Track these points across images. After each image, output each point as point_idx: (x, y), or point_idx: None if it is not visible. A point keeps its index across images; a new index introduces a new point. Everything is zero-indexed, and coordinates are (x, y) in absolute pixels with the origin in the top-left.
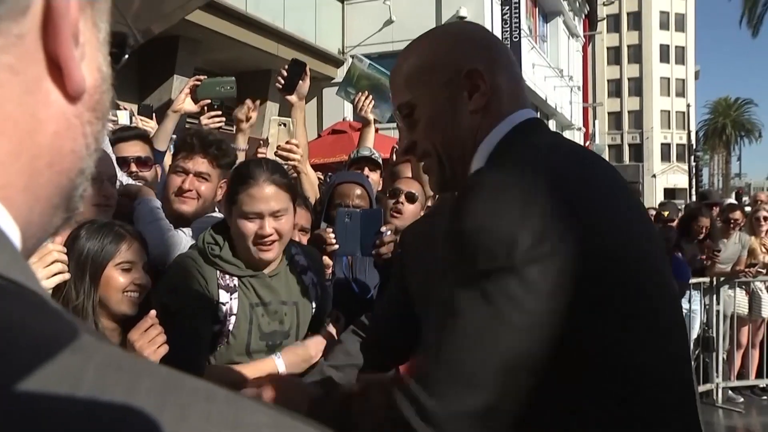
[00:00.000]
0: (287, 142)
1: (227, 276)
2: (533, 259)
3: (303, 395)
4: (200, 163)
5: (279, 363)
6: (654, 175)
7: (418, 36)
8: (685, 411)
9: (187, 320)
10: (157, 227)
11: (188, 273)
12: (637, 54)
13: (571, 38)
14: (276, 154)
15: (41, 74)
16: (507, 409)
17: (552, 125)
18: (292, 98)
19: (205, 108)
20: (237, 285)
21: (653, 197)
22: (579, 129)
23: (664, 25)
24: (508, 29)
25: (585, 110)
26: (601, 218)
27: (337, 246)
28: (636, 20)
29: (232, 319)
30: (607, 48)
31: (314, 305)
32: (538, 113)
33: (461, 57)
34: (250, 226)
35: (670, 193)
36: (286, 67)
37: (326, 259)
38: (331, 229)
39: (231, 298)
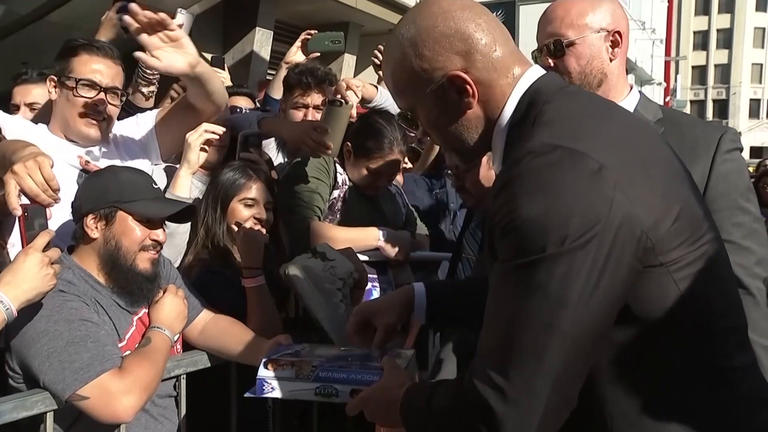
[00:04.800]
0: None
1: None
2: (584, 242)
3: (405, 378)
4: (316, 98)
5: None
6: (740, 133)
7: (388, 39)
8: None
9: None
10: None
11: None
12: (729, 3)
13: None
14: None
15: None
16: (575, 381)
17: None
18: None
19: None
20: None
21: None
22: (659, 84)
23: None
24: None
25: (667, 64)
26: (640, 188)
27: None
28: None
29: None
30: None
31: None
32: None
33: (434, 62)
34: (372, 179)
35: (757, 151)
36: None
37: None
38: None
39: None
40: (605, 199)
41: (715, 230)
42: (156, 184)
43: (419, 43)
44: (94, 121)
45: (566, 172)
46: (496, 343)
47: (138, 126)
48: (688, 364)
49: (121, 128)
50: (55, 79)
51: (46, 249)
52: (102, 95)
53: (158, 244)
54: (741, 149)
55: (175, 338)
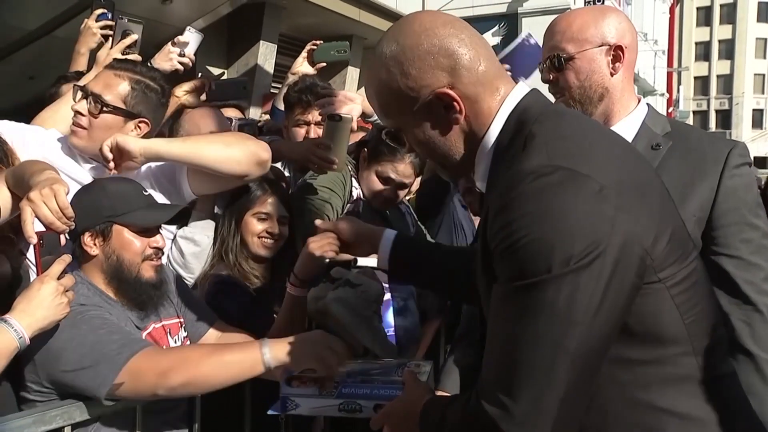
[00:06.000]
0: None
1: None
2: (588, 262)
3: (425, 392)
4: (317, 114)
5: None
6: None
7: (369, 60)
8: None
9: None
10: None
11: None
12: (730, 13)
13: None
14: None
15: None
16: (582, 399)
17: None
18: None
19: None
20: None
21: None
22: (662, 95)
23: None
24: None
25: (669, 75)
26: (638, 207)
27: None
28: None
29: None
30: (697, 8)
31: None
32: None
33: (421, 80)
34: (380, 187)
35: (760, 161)
36: None
37: None
38: None
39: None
40: (607, 219)
41: (696, 249)
42: (146, 191)
43: (404, 61)
44: (75, 128)
45: (569, 192)
46: (502, 364)
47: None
48: (681, 375)
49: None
50: None
51: (60, 276)
52: (83, 101)
53: (159, 251)
54: (750, 164)
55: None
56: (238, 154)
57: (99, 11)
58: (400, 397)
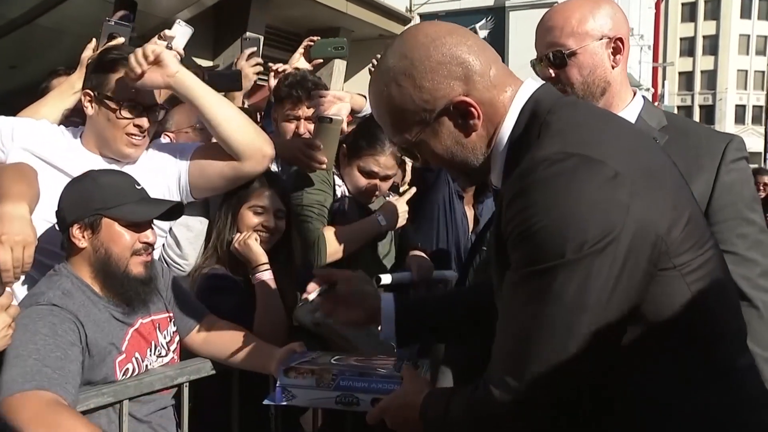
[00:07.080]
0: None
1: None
2: (602, 247)
3: (424, 385)
4: (307, 110)
5: None
6: None
7: (377, 76)
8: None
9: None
10: None
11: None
12: (715, 10)
13: None
14: None
15: None
16: (590, 383)
17: None
18: None
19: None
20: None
21: None
22: (647, 89)
23: None
24: None
25: (654, 70)
26: (653, 193)
27: None
28: None
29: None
30: (682, 4)
31: None
32: None
33: (436, 92)
34: (364, 182)
35: None
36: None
37: None
38: None
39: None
40: (622, 205)
41: (714, 237)
42: (139, 185)
43: (416, 75)
44: (138, 142)
45: (583, 178)
46: (513, 349)
47: (178, 155)
48: (696, 365)
49: (159, 156)
50: (92, 94)
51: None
52: (144, 114)
53: (149, 246)
54: (747, 158)
55: None
56: (250, 130)
57: (121, 13)
58: (399, 391)
